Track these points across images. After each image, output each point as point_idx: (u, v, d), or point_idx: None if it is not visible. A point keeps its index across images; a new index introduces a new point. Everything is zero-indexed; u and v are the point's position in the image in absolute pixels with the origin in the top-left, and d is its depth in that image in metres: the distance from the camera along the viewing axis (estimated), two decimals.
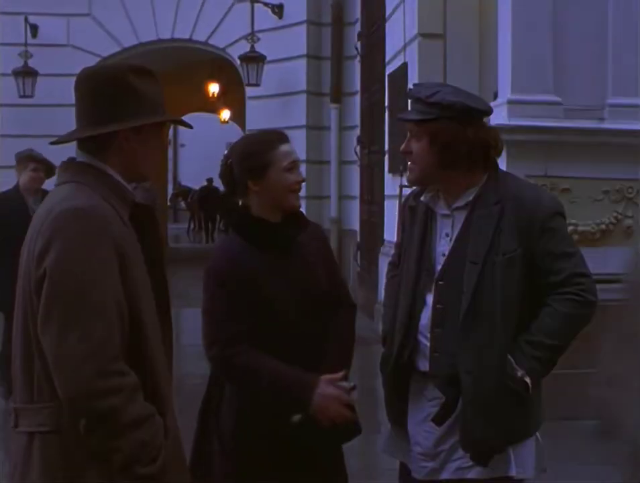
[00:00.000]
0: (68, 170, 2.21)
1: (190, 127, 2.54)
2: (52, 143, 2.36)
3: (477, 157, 2.64)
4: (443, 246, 2.71)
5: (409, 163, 2.73)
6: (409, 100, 2.77)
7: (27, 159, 6.41)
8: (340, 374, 2.75)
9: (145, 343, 2.13)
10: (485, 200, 2.65)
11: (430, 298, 2.70)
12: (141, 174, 2.30)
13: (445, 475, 2.67)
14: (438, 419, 2.65)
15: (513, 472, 2.61)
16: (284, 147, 2.88)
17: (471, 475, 2.62)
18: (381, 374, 2.87)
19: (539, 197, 2.67)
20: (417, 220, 2.78)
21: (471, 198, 2.67)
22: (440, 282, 2.68)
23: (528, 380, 2.55)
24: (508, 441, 2.61)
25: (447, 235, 2.71)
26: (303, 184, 2.95)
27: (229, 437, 2.85)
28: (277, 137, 2.92)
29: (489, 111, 2.71)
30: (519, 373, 2.54)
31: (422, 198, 2.76)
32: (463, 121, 2.60)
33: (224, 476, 2.87)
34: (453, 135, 2.60)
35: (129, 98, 2.18)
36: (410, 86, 7.24)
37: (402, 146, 2.74)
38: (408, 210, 2.85)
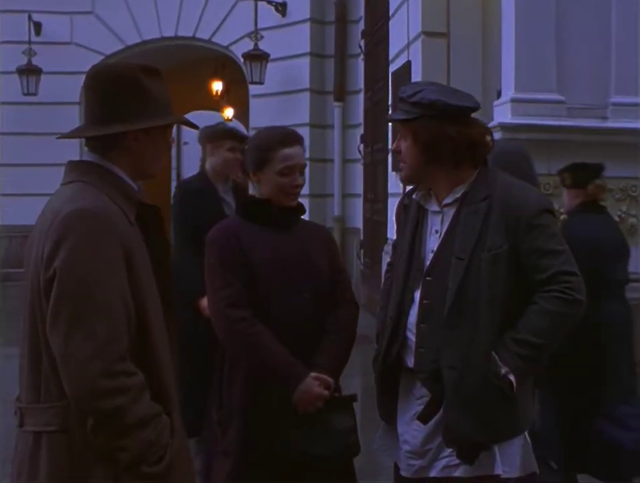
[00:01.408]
0: (74, 170, 2.21)
1: (197, 128, 2.57)
2: (59, 137, 2.37)
3: (462, 154, 2.65)
4: (432, 243, 2.73)
5: (400, 163, 2.78)
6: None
7: (223, 135, 4.70)
8: (330, 380, 2.89)
9: (151, 343, 2.14)
10: (473, 196, 2.66)
11: (418, 295, 2.71)
12: (148, 174, 2.30)
13: (432, 474, 2.67)
14: (423, 417, 2.66)
15: (499, 470, 2.59)
16: (285, 151, 2.95)
17: (458, 473, 2.61)
18: (373, 369, 2.88)
19: (526, 194, 2.66)
20: (409, 218, 2.81)
21: (459, 194, 2.68)
22: (427, 278, 2.69)
23: (512, 377, 2.52)
24: (493, 438, 2.60)
25: (436, 231, 2.73)
26: (306, 183, 3.01)
27: (227, 414, 2.93)
28: (284, 138, 3.00)
29: (475, 108, 2.70)
30: (503, 371, 2.52)
31: (414, 196, 2.80)
32: (443, 119, 2.62)
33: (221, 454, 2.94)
34: (433, 133, 2.62)
35: (138, 99, 2.17)
36: None
37: (393, 145, 2.80)
38: (402, 209, 2.89)
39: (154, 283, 2.20)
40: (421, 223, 2.77)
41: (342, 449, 2.91)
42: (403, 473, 2.76)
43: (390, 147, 9.16)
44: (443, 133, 2.62)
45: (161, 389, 2.14)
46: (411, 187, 2.95)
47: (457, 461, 2.61)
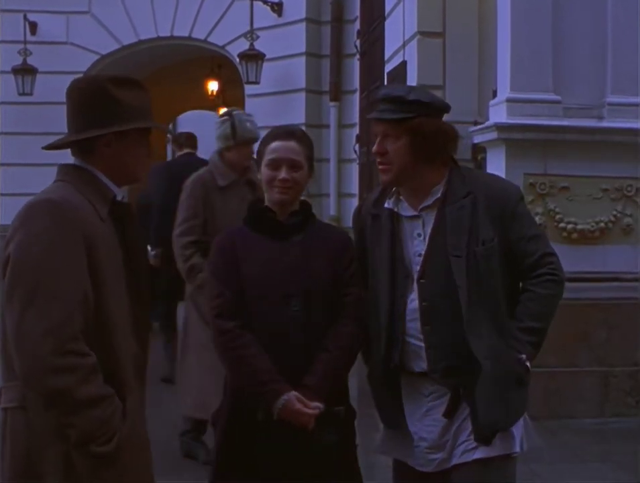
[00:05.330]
0: (60, 172, 2.38)
1: (171, 133, 2.69)
2: (44, 148, 2.50)
3: (450, 151, 2.75)
4: (417, 246, 2.74)
5: (381, 165, 2.74)
6: (380, 101, 2.76)
7: None
8: (315, 404, 2.73)
9: (108, 330, 2.22)
10: (454, 194, 2.71)
11: (412, 298, 2.73)
12: (129, 178, 2.43)
13: (453, 462, 2.72)
14: (448, 413, 2.72)
15: (517, 449, 2.71)
16: (274, 144, 2.93)
17: (477, 455, 2.68)
18: (369, 382, 2.89)
19: (504, 185, 2.82)
20: (382, 227, 2.78)
21: (439, 194, 2.72)
22: (422, 281, 2.71)
23: (528, 363, 2.67)
24: (513, 420, 2.69)
25: (419, 235, 2.74)
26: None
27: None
28: (276, 133, 2.98)
29: (449, 109, 2.81)
30: (523, 358, 2.65)
31: (386, 205, 2.79)
32: (436, 117, 2.72)
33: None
34: (433, 129, 2.67)
35: (104, 107, 2.32)
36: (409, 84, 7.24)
37: (375, 147, 2.76)
38: (370, 219, 2.85)
39: (122, 274, 2.30)
40: (397, 230, 2.76)
41: (322, 468, 2.78)
42: (423, 469, 2.79)
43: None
44: (440, 129, 2.70)
45: (116, 374, 2.23)
46: (376, 195, 2.90)
47: (474, 444, 2.68)
